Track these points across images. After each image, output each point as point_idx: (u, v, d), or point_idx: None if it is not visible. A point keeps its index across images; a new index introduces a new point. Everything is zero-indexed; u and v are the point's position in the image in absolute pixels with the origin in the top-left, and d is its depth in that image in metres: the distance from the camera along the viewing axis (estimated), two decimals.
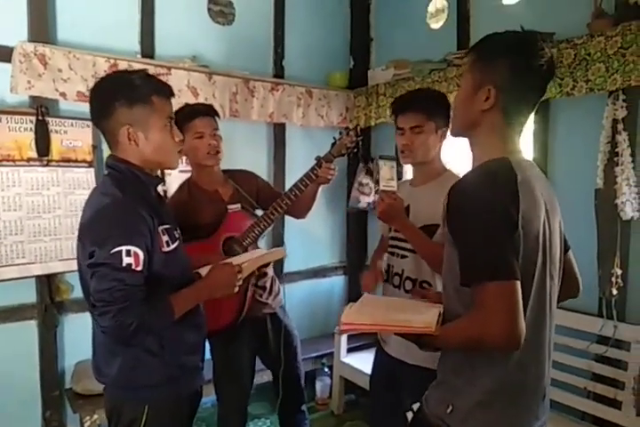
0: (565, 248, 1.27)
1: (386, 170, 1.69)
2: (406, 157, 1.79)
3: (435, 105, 1.76)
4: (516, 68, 1.11)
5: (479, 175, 1.10)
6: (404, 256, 1.79)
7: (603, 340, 2.20)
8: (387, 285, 1.88)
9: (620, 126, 2.13)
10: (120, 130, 1.35)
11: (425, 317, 1.13)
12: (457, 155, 2.57)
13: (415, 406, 1.33)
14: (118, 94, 1.34)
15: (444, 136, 1.78)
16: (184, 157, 2.22)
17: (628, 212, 2.12)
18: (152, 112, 1.36)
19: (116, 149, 1.40)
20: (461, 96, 1.20)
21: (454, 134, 1.28)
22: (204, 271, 1.54)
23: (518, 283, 0.99)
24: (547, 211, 1.12)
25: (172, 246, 1.40)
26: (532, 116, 2.51)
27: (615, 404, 2.14)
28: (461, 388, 1.13)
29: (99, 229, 1.29)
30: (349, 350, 3.11)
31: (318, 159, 2.02)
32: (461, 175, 1.18)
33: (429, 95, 1.85)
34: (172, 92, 1.43)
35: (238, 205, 2.06)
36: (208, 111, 2.05)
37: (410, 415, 1.50)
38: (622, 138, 2.12)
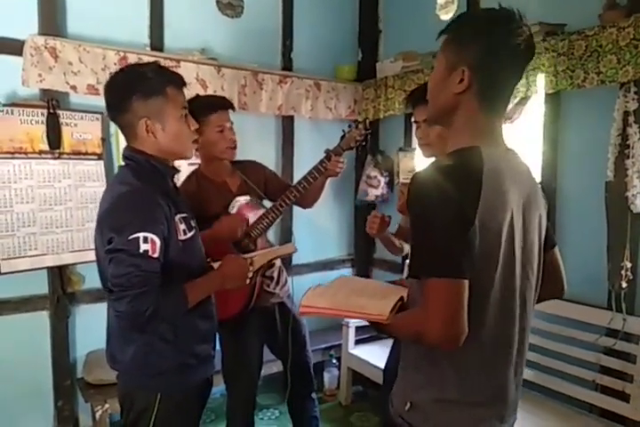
0: (551, 245, 1.21)
1: (405, 162, 1.68)
2: (425, 150, 1.78)
3: None
4: (491, 48, 1.03)
5: (442, 165, 1.03)
6: None
7: (612, 333, 2.19)
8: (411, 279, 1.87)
9: (632, 119, 2.11)
10: (138, 123, 1.37)
11: (381, 303, 1.10)
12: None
13: None
14: (133, 88, 1.36)
15: None
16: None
17: (639, 204, 2.11)
18: (167, 103, 1.38)
19: (134, 141, 1.42)
20: (434, 79, 1.12)
21: (430, 121, 1.21)
22: (216, 265, 1.56)
23: (465, 281, 0.94)
24: (522, 205, 1.06)
25: (189, 235, 1.43)
26: (542, 109, 2.50)
27: (623, 397, 2.14)
28: (420, 384, 1.09)
29: (117, 216, 1.32)
30: (357, 342, 3.12)
31: (327, 152, 2.02)
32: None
33: None
34: (184, 81, 1.45)
35: (247, 197, 2.07)
36: (227, 104, 2.04)
37: None
38: (633, 130, 2.11)
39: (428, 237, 0.98)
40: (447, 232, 0.96)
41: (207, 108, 1.95)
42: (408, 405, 1.09)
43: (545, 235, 1.16)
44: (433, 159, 1.83)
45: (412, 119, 1.80)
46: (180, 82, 1.43)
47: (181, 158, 1.50)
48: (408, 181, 1.64)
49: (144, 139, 1.39)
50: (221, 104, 2.02)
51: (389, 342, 1.99)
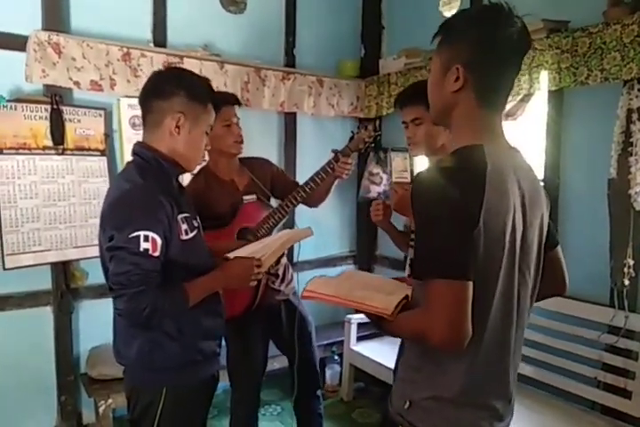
0: (553, 244, 1.20)
1: (398, 162, 1.70)
2: (413, 149, 1.81)
3: None
4: (482, 42, 1.02)
5: (446, 165, 1.01)
6: None
7: (614, 330, 2.20)
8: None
9: (635, 116, 2.10)
10: (171, 115, 1.40)
11: (387, 298, 1.09)
12: None
13: None
14: (184, 85, 1.41)
15: None
16: None
17: None
18: (204, 113, 1.45)
19: (152, 132, 1.43)
20: (431, 81, 1.13)
21: (434, 121, 1.21)
22: (232, 255, 1.57)
23: (469, 283, 0.93)
24: (523, 204, 1.04)
25: (191, 235, 1.43)
26: (545, 107, 2.50)
27: (625, 394, 2.14)
28: (420, 383, 1.09)
29: (119, 213, 1.33)
30: (359, 339, 3.13)
31: (335, 153, 2.02)
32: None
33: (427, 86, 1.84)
34: (218, 105, 1.57)
35: (254, 196, 2.07)
36: (233, 100, 2.06)
37: None
38: (637, 128, 2.10)
39: (432, 237, 0.97)
40: (452, 233, 0.95)
41: (215, 102, 1.96)
42: (407, 403, 1.09)
43: (547, 234, 1.15)
44: (426, 158, 1.85)
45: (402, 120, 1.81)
46: (217, 104, 1.53)
47: (185, 168, 1.49)
48: (402, 180, 1.66)
49: (165, 132, 1.41)
50: (228, 99, 2.04)
51: (391, 339, 1.99)
